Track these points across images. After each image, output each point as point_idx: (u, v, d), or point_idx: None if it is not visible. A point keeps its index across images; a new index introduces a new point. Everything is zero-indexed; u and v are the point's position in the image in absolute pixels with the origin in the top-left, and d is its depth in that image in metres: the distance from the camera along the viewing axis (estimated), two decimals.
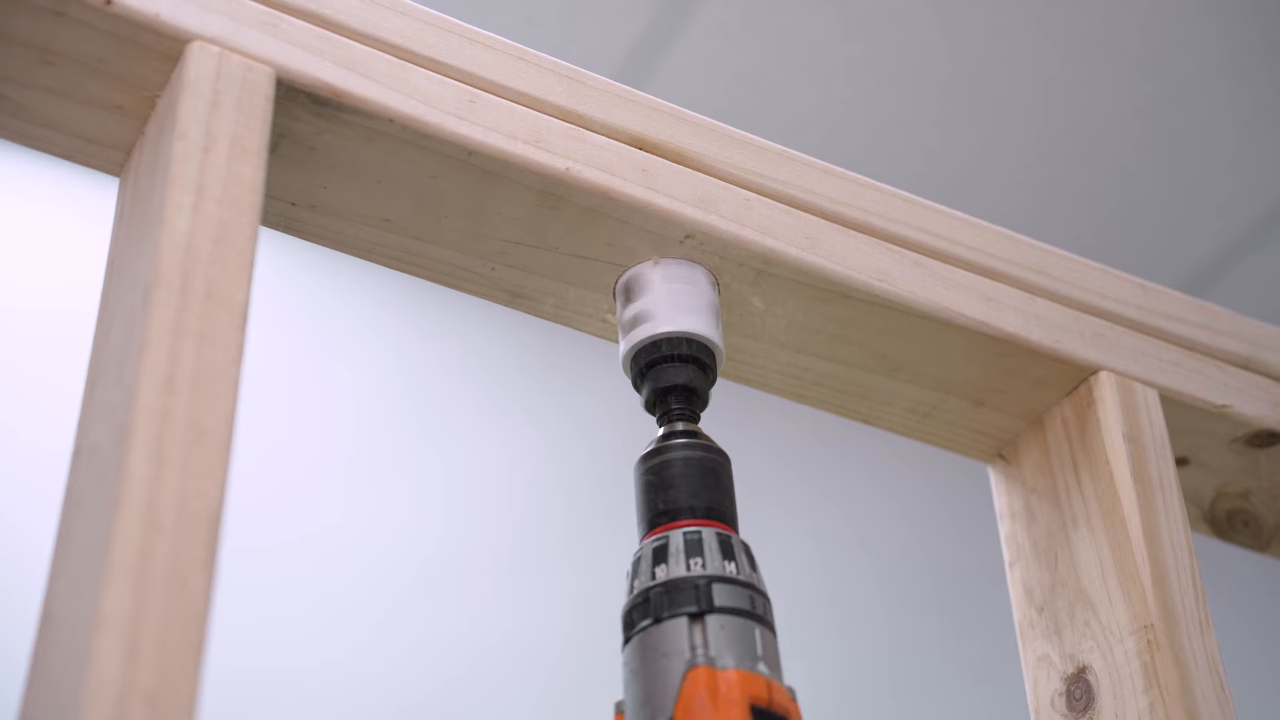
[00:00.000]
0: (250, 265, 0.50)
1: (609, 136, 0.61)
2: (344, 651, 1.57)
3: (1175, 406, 0.70)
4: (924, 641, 1.90)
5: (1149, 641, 0.62)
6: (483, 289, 0.64)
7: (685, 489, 0.57)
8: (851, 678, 1.81)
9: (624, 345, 0.62)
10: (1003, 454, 0.73)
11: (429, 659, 1.60)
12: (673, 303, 0.61)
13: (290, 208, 0.59)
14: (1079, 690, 0.65)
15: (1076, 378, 0.69)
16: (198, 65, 0.53)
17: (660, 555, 0.55)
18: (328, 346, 1.78)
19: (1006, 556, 0.71)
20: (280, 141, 0.56)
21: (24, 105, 0.55)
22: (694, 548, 0.55)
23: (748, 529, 0.59)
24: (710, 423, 0.61)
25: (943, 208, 0.69)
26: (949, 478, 1.79)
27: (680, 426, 0.60)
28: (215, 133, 0.51)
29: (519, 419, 1.82)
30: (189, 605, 0.43)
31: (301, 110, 0.55)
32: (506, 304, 0.65)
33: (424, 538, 1.68)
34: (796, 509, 1.91)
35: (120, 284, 0.52)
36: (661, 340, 0.61)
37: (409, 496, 1.71)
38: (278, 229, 0.60)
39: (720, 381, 0.68)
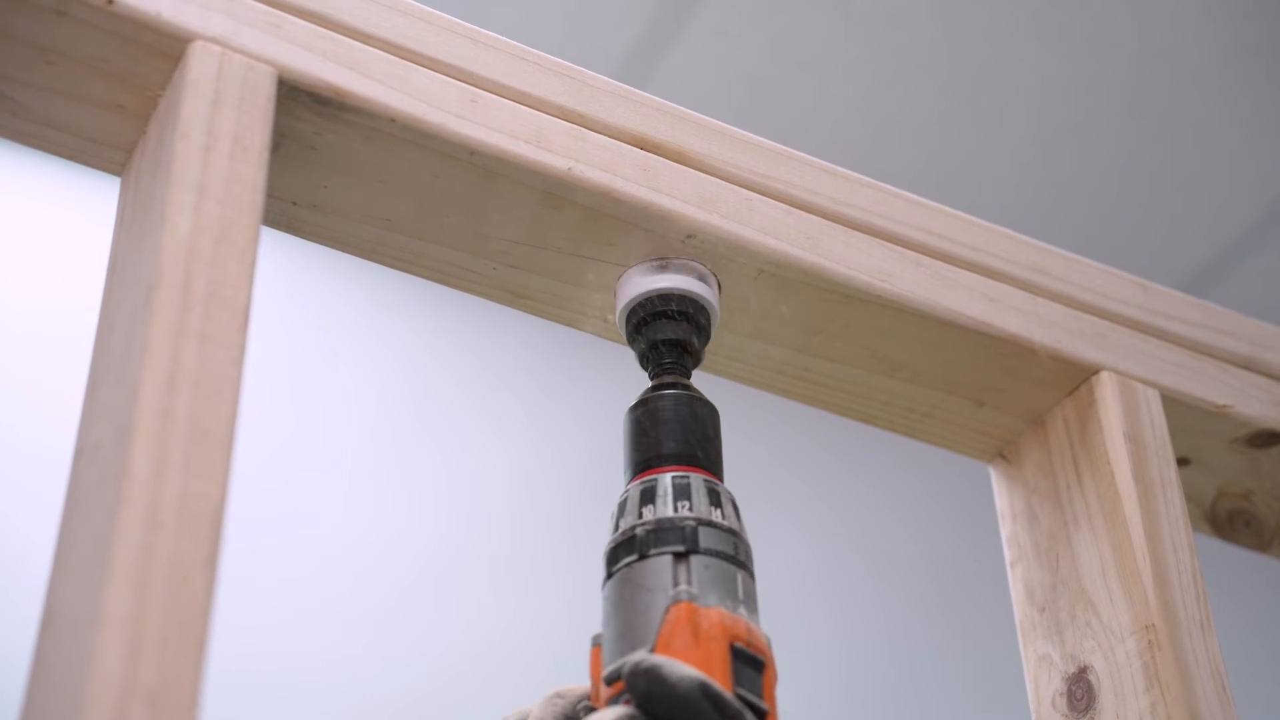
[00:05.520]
0: (252, 265, 0.50)
1: (611, 136, 0.61)
2: (344, 650, 1.57)
3: (1176, 406, 0.70)
4: (924, 642, 1.90)
5: (1150, 641, 0.62)
6: (484, 289, 0.64)
7: (673, 435, 0.58)
8: (852, 678, 1.81)
9: (619, 304, 0.63)
10: (1004, 454, 0.73)
11: (429, 657, 1.60)
12: (665, 268, 0.62)
13: (292, 207, 0.59)
14: (1080, 690, 0.65)
15: (1078, 378, 0.69)
16: (200, 65, 0.53)
17: (648, 496, 0.56)
18: (329, 346, 1.78)
19: (1008, 557, 0.71)
20: (282, 141, 0.56)
21: (26, 105, 0.55)
22: (682, 491, 0.56)
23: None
24: None
25: (944, 208, 0.69)
26: (949, 478, 1.79)
27: (669, 379, 0.60)
28: (217, 133, 0.51)
29: (519, 418, 1.82)
30: (191, 604, 0.43)
31: (303, 110, 0.55)
32: (508, 304, 0.65)
33: (424, 537, 1.68)
34: (796, 509, 1.91)
35: (122, 284, 0.52)
36: (655, 296, 0.61)
37: (409, 496, 1.71)
38: (279, 229, 0.60)
39: (721, 381, 0.68)
